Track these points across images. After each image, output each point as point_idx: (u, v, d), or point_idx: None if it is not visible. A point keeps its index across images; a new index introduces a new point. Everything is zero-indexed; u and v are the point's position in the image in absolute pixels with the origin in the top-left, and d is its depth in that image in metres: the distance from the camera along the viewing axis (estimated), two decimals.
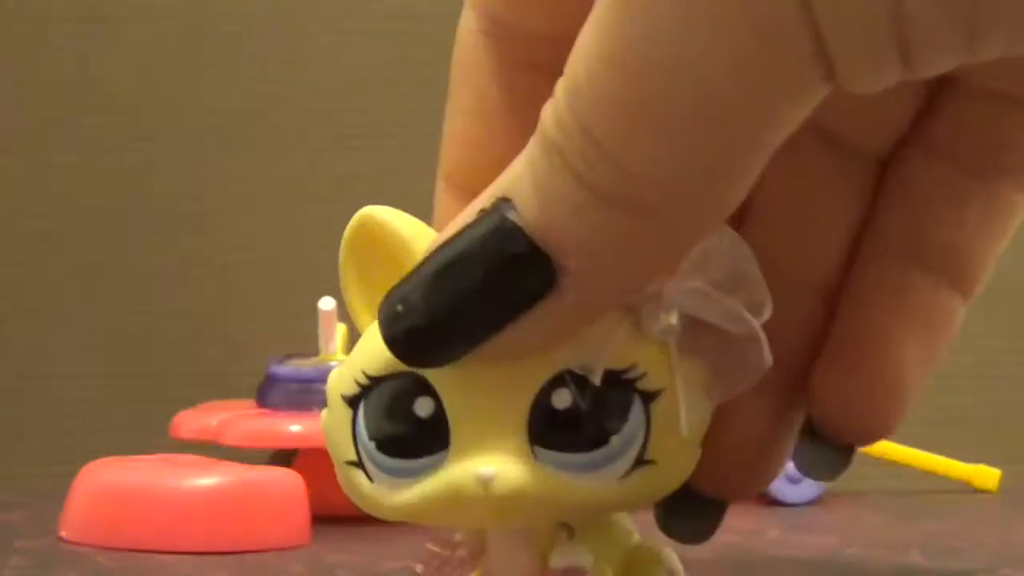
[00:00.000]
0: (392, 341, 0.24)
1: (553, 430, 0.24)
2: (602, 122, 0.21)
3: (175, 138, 0.66)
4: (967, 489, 0.60)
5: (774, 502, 0.55)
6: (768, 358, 0.24)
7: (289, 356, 0.53)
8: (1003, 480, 0.60)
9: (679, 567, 0.27)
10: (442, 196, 0.28)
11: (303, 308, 0.54)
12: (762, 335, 0.24)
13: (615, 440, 0.24)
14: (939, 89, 0.28)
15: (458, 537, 0.26)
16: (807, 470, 0.29)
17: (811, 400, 0.28)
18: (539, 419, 0.24)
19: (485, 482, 0.23)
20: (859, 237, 0.29)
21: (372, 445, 0.25)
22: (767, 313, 0.24)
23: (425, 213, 0.27)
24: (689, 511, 0.28)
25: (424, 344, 0.23)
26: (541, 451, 0.24)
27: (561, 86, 0.22)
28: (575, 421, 0.24)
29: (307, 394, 0.50)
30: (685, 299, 0.24)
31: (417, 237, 0.25)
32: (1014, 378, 0.68)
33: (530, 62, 0.26)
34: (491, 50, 0.27)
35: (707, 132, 0.21)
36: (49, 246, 0.65)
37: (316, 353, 0.53)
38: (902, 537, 0.47)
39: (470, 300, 0.23)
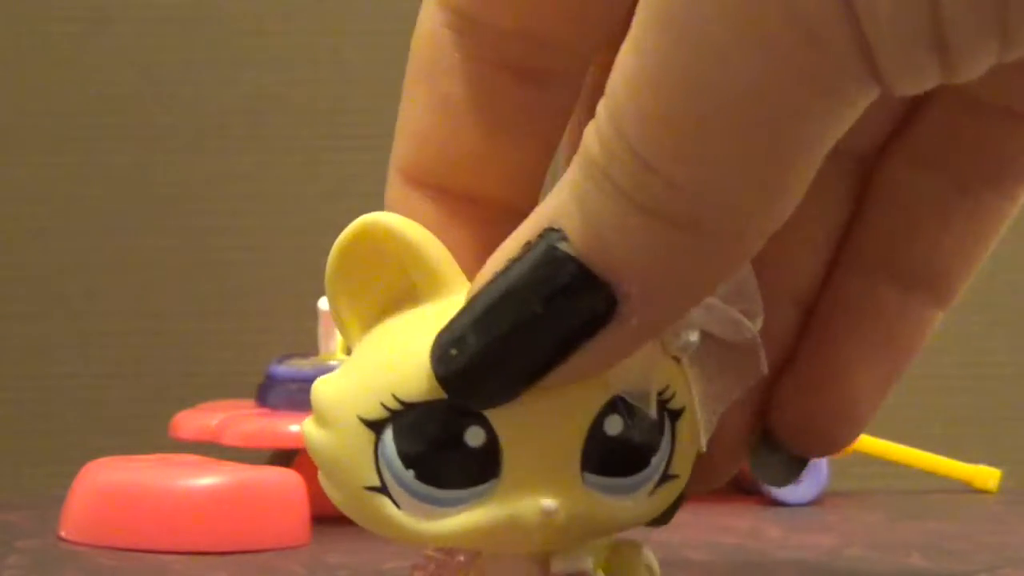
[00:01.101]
0: (448, 381, 0.23)
1: (604, 456, 0.24)
2: (651, 143, 0.21)
3: (175, 138, 0.66)
4: (967, 489, 0.60)
5: (774, 502, 0.55)
6: (764, 366, 0.25)
7: (289, 356, 0.53)
8: (1003, 480, 0.60)
9: (656, 564, 0.27)
10: (397, 191, 0.27)
11: (303, 308, 0.54)
12: (760, 343, 0.24)
13: (653, 461, 0.24)
14: (925, 95, 0.28)
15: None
16: (759, 474, 0.29)
17: (770, 408, 0.28)
18: (592, 446, 0.24)
19: (549, 514, 0.23)
20: (837, 247, 0.29)
21: (411, 474, 0.24)
22: (760, 321, 0.24)
23: None
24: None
25: (483, 383, 0.23)
26: (589, 476, 0.24)
27: (604, 109, 0.22)
28: (625, 447, 0.24)
29: (307, 394, 0.50)
30: (699, 313, 0.24)
31: (425, 243, 0.24)
32: (1014, 378, 0.68)
33: (497, 58, 0.26)
34: (457, 45, 0.26)
35: (757, 146, 0.21)
36: (49, 245, 0.65)
37: (316, 353, 0.53)
38: (902, 537, 0.47)
39: (528, 334, 0.22)
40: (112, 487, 0.43)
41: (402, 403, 0.24)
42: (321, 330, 0.52)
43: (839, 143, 0.28)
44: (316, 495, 0.45)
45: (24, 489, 0.63)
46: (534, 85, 0.26)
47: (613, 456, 0.24)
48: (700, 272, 0.22)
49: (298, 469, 0.45)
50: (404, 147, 0.27)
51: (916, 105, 0.28)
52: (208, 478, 0.43)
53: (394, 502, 0.24)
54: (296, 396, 0.50)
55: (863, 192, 0.29)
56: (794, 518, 0.51)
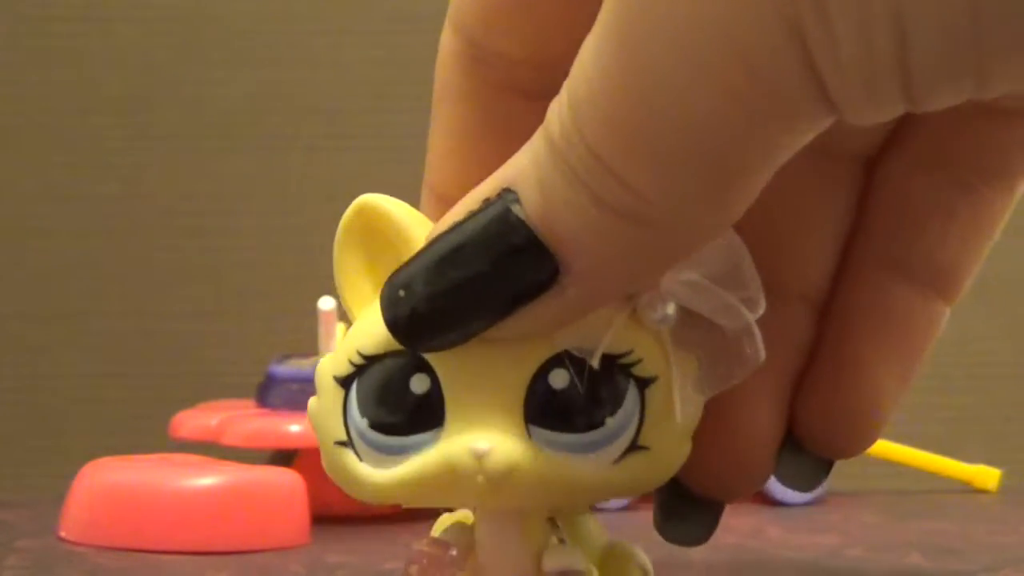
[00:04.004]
0: (394, 324, 0.24)
1: (549, 410, 0.24)
2: (604, 141, 0.22)
3: (175, 138, 0.66)
4: (967, 489, 0.60)
5: (774, 502, 0.55)
6: (761, 353, 0.25)
7: (289, 356, 0.53)
8: (1003, 480, 0.60)
9: (649, 564, 0.27)
10: (428, 206, 0.28)
11: (303, 308, 0.54)
12: (756, 330, 0.24)
13: (610, 422, 0.24)
14: None
15: (448, 537, 0.26)
16: (786, 479, 0.29)
17: (794, 413, 0.28)
18: (535, 399, 0.24)
19: (480, 456, 0.24)
20: (846, 246, 0.29)
21: (364, 423, 0.25)
22: (761, 309, 0.25)
23: None
24: (687, 515, 0.29)
25: (425, 328, 0.24)
26: (536, 430, 0.24)
27: (565, 96, 0.22)
28: (571, 402, 0.24)
29: (307, 394, 0.49)
30: (681, 290, 0.24)
31: (415, 226, 0.25)
32: (1014, 378, 0.68)
33: (508, 84, 0.27)
34: (470, 71, 0.27)
35: (704, 161, 0.21)
36: (49, 245, 0.65)
37: (316, 353, 0.53)
38: (902, 537, 0.47)
39: (473, 288, 0.23)
40: (112, 487, 0.43)
41: (364, 357, 0.25)
42: (321, 330, 0.52)
43: (840, 146, 0.28)
44: (316, 495, 0.45)
45: (24, 489, 0.63)
46: (544, 106, 0.26)
47: (560, 411, 0.24)
48: (643, 259, 0.23)
49: (298, 469, 0.45)
50: (431, 165, 0.28)
51: None
52: (208, 478, 0.43)
53: (357, 455, 0.25)
54: (296, 396, 0.50)
55: (867, 192, 0.29)
56: (794, 518, 0.51)
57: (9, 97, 0.65)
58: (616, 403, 0.24)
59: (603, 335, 0.24)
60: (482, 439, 0.24)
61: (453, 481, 0.24)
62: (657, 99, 0.21)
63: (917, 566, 0.40)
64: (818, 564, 0.41)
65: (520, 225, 0.23)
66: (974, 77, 0.20)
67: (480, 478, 0.24)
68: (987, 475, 0.60)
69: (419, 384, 0.24)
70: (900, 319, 0.29)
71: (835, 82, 0.20)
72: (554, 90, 0.26)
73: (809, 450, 0.29)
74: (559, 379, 0.24)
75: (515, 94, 0.27)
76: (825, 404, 0.28)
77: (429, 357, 0.24)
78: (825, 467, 0.29)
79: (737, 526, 0.48)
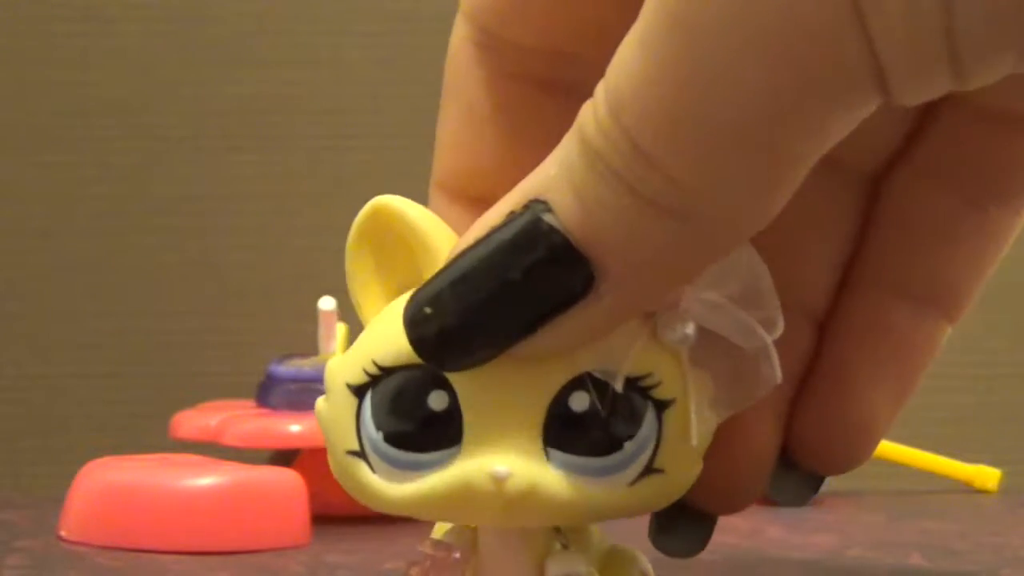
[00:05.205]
0: (420, 343, 0.23)
1: (568, 432, 0.24)
2: (649, 134, 0.21)
3: (175, 138, 0.66)
4: (967, 489, 0.60)
5: (774, 502, 0.55)
6: (778, 375, 0.24)
7: (289, 356, 0.53)
8: (1003, 480, 0.60)
9: (651, 568, 0.27)
10: (437, 203, 0.28)
11: (303, 308, 0.54)
12: (773, 351, 0.24)
13: (628, 446, 0.24)
14: (934, 108, 0.28)
15: (451, 539, 0.26)
16: (775, 493, 0.29)
17: (788, 428, 0.28)
18: (555, 421, 0.24)
19: (499, 480, 0.23)
20: (849, 262, 0.29)
21: (379, 436, 0.24)
22: (779, 330, 0.24)
23: None
24: (681, 527, 0.29)
25: (455, 346, 0.23)
26: (554, 453, 0.24)
27: (602, 93, 0.22)
28: (591, 425, 0.24)
29: (307, 394, 0.50)
30: (701, 310, 0.24)
31: (432, 228, 0.25)
32: (1014, 378, 0.68)
33: (521, 73, 0.26)
34: (481, 60, 0.27)
35: (758, 149, 0.21)
36: (49, 245, 0.65)
37: (316, 353, 0.53)
38: (902, 537, 0.47)
39: (504, 302, 0.23)
40: (112, 487, 0.43)
41: (380, 368, 0.24)
42: (321, 330, 0.52)
43: (847, 160, 0.28)
44: (316, 495, 0.45)
45: (24, 489, 0.63)
46: (556, 96, 0.26)
47: (579, 434, 0.24)
48: (682, 258, 0.22)
49: (298, 469, 0.45)
50: (440, 161, 0.28)
51: (923, 120, 0.28)
52: (208, 478, 0.43)
53: (370, 466, 0.25)
54: (296, 396, 0.50)
55: (872, 209, 0.29)
56: (794, 518, 0.51)
57: (9, 97, 0.65)
58: (635, 426, 0.24)
59: (624, 356, 0.24)
60: (501, 462, 0.23)
61: (469, 501, 0.24)
62: (713, 77, 0.21)
63: (917, 566, 0.40)
64: (818, 564, 0.41)
65: (552, 232, 0.22)
66: (1016, 50, 0.20)
67: (498, 501, 0.23)
68: (987, 475, 0.60)
69: (438, 401, 0.24)
70: (898, 338, 0.28)
71: (885, 48, 0.20)
72: (569, 81, 0.26)
73: (800, 465, 0.29)
74: (579, 402, 0.24)
75: (529, 84, 0.26)
76: (819, 420, 0.28)
77: (449, 375, 0.24)
78: (815, 483, 0.29)
79: (737, 526, 0.48)
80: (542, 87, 0.26)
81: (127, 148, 0.66)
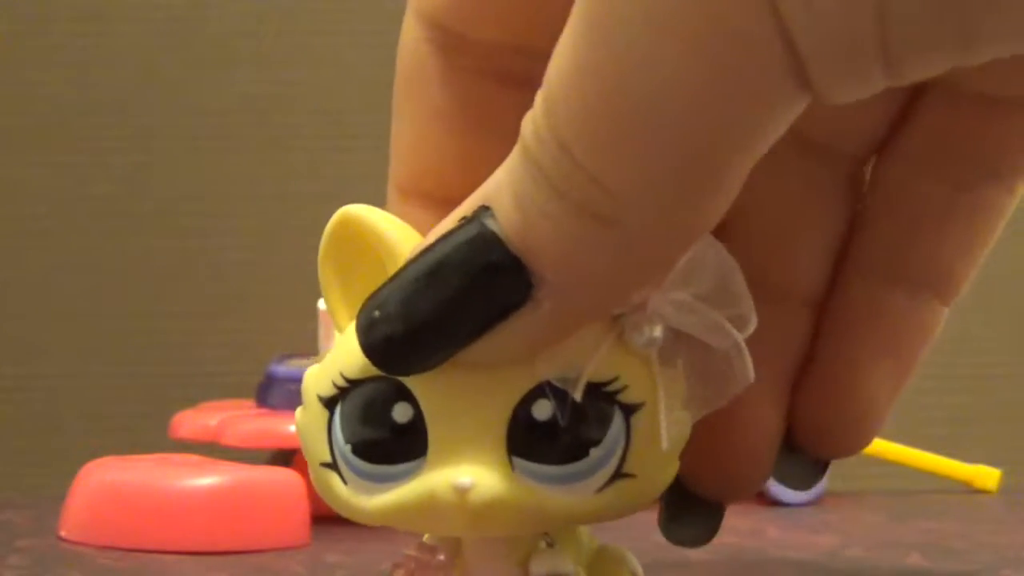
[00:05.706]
0: (369, 348, 0.23)
1: (532, 441, 0.24)
2: (578, 138, 0.21)
3: (175, 138, 0.66)
4: (967, 489, 0.60)
5: (774, 502, 0.55)
6: (750, 373, 0.24)
7: (289, 356, 0.53)
8: (1003, 480, 0.60)
9: (640, 568, 0.27)
10: (399, 208, 0.27)
11: (303, 308, 0.54)
12: (744, 349, 0.24)
13: (594, 452, 0.24)
14: (921, 91, 0.28)
15: (436, 541, 0.26)
16: (781, 478, 0.29)
17: (791, 414, 0.29)
18: (518, 430, 0.24)
19: (462, 492, 0.23)
20: (842, 248, 0.29)
21: (348, 449, 0.24)
22: (751, 327, 0.24)
23: None
24: (690, 516, 0.29)
25: (400, 351, 0.23)
26: (519, 462, 0.24)
27: (540, 98, 0.22)
28: (555, 433, 0.24)
29: None
30: (669, 311, 0.24)
31: (400, 239, 0.25)
32: (1014, 378, 0.68)
33: (481, 68, 0.26)
34: (439, 58, 0.26)
35: (680, 150, 0.21)
36: (49, 246, 0.65)
37: (316, 353, 0.53)
38: (902, 537, 0.47)
39: (447, 308, 0.23)
40: (112, 487, 0.43)
41: (348, 380, 0.24)
42: (321, 330, 0.52)
43: (833, 146, 0.28)
44: (316, 495, 0.45)
45: (24, 489, 0.63)
46: (518, 89, 0.26)
47: (544, 442, 0.24)
48: (618, 268, 0.22)
49: (298, 469, 0.45)
50: (399, 162, 0.28)
51: (910, 103, 0.28)
52: (208, 478, 0.43)
53: (342, 478, 0.25)
54: (296, 396, 0.50)
55: (863, 194, 0.29)
56: (794, 518, 0.51)
57: (9, 97, 0.65)
58: (601, 432, 0.24)
59: (587, 363, 0.23)
60: (464, 473, 0.23)
61: (436, 513, 0.24)
62: (631, 75, 0.20)
63: (917, 566, 0.40)
64: (818, 564, 0.41)
65: (494, 240, 0.22)
66: (957, 38, 0.19)
67: (463, 512, 0.23)
68: (987, 475, 0.60)
69: (402, 413, 0.24)
70: (895, 321, 0.28)
71: (804, 41, 0.20)
72: (531, 74, 0.26)
73: (805, 450, 0.29)
74: (542, 410, 0.24)
75: (491, 79, 0.26)
76: (820, 405, 0.28)
77: (411, 386, 0.24)
78: (821, 467, 0.29)
79: (737, 526, 0.48)
80: (504, 82, 0.26)
81: (127, 148, 0.66)
